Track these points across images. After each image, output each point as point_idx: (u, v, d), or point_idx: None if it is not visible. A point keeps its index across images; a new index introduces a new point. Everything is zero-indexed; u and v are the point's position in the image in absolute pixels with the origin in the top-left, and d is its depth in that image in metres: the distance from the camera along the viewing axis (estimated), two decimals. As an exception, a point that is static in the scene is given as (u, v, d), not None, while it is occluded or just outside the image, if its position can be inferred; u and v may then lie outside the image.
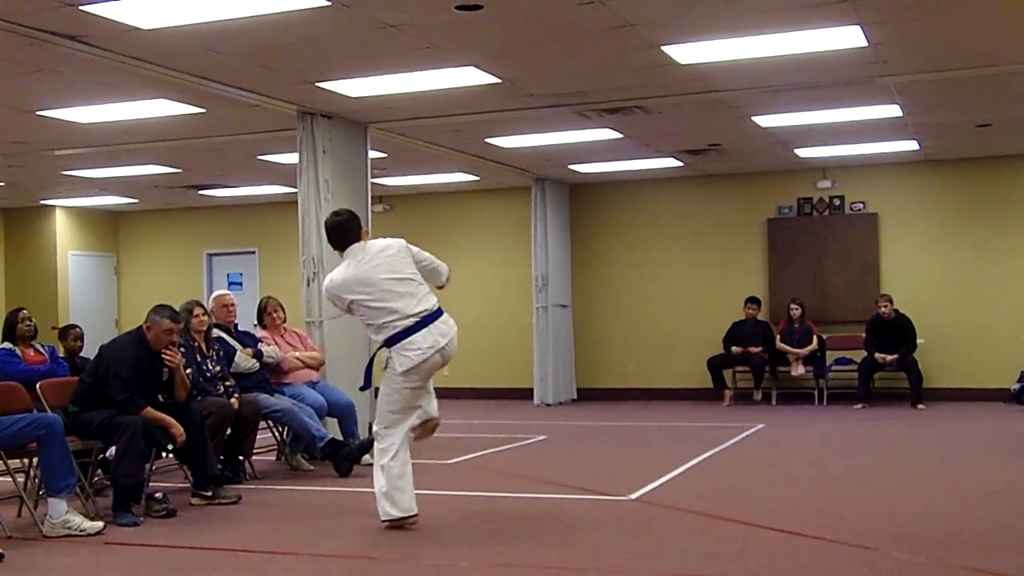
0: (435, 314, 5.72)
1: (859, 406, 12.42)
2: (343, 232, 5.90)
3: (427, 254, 5.99)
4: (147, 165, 12.58)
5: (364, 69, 8.00)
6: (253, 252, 16.71)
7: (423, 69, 7.99)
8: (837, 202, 13.76)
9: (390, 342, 5.66)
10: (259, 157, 12.12)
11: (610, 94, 9.13)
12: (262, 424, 8.02)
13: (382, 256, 5.80)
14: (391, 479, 5.69)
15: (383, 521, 5.72)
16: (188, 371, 6.95)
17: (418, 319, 5.65)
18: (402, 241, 5.95)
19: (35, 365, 7.53)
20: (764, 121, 10.53)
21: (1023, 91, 9.40)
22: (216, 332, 7.99)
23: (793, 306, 13.16)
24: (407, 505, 5.72)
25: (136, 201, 16.12)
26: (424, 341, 5.64)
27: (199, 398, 7.15)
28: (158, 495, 6.42)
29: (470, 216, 15.43)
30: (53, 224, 16.43)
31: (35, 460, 6.26)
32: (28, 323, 7.68)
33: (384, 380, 5.77)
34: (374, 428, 5.90)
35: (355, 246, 5.85)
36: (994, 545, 5.26)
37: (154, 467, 7.14)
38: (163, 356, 6.53)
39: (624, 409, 13.15)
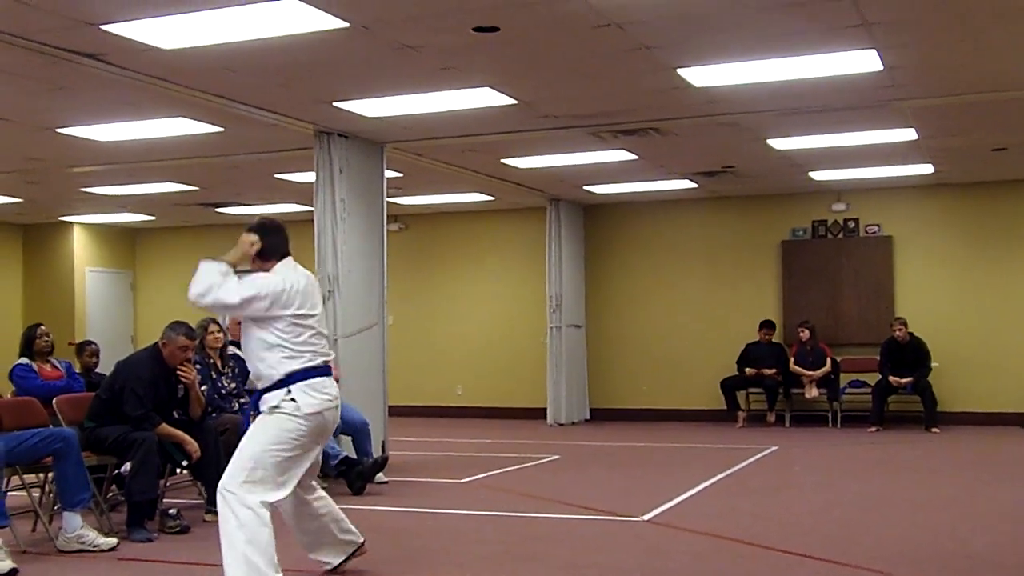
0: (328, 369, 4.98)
1: (873, 429, 12.37)
2: (286, 239, 5.21)
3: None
4: (165, 183, 12.65)
5: (381, 89, 8.06)
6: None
7: (440, 90, 8.04)
8: (852, 225, 13.75)
9: (295, 377, 4.77)
10: (276, 176, 12.18)
11: (625, 116, 9.16)
12: (276, 441, 8.03)
13: (312, 285, 5.13)
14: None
15: None
16: (203, 388, 7.00)
17: (327, 364, 4.94)
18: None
19: (52, 380, 7.58)
20: (779, 144, 10.54)
21: (1039, 115, 9.41)
22: (231, 349, 8.02)
23: (801, 329, 13.10)
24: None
25: (153, 218, 16.21)
26: (332, 388, 4.89)
27: (214, 415, 7.19)
28: (172, 511, 6.45)
29: (485, 236, 15.45)
30: (71, 240, 16.54)
31: (50, 475, 6.30)
32: (46, 339, 7.75)
33: (270, 423, 4.76)
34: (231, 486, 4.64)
35: (289, 260, 5.18)
36: (1008, 570, 5.24)
37: (168, 483, 7.17)
38: (178, 373, 6.58)
39: (637, 430, 13.12)
